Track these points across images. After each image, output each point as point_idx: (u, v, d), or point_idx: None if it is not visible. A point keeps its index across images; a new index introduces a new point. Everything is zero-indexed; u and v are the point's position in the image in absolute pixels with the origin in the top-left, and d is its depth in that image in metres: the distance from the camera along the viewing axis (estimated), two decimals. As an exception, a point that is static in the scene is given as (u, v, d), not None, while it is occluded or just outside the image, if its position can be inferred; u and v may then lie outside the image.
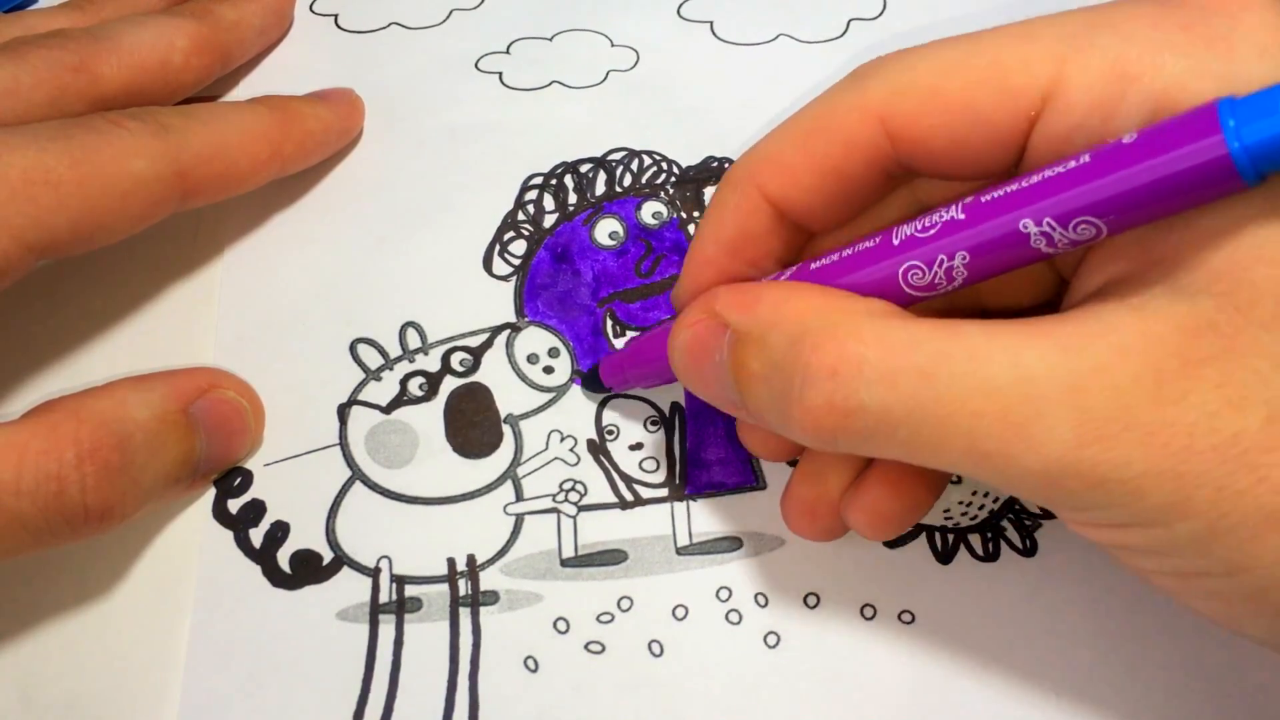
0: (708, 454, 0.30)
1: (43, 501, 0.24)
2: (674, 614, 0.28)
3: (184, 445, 0.27)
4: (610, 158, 0.34)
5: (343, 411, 0.30)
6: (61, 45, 0.29)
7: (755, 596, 0.28)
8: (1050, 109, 0.21)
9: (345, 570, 0.28)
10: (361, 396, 0.30)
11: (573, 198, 0.33)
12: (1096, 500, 0.20)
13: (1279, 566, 0.19)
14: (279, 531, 0.29)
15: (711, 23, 0.37)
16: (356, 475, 0.29)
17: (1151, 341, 0.19)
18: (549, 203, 0.33)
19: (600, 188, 0.33)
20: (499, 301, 0.32)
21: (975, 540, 0.29)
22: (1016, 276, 0.24)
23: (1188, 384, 0.19)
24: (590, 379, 0.30)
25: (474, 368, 0.31)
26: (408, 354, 0.31)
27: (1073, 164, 0.19)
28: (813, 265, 0.24)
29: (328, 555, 0.28)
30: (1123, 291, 0.20)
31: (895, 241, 0.22)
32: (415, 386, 0.30)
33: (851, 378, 0.20)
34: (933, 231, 0.21)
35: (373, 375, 0.30)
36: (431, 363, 0.31)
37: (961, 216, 0.21)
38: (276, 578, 0.28)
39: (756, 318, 0.22)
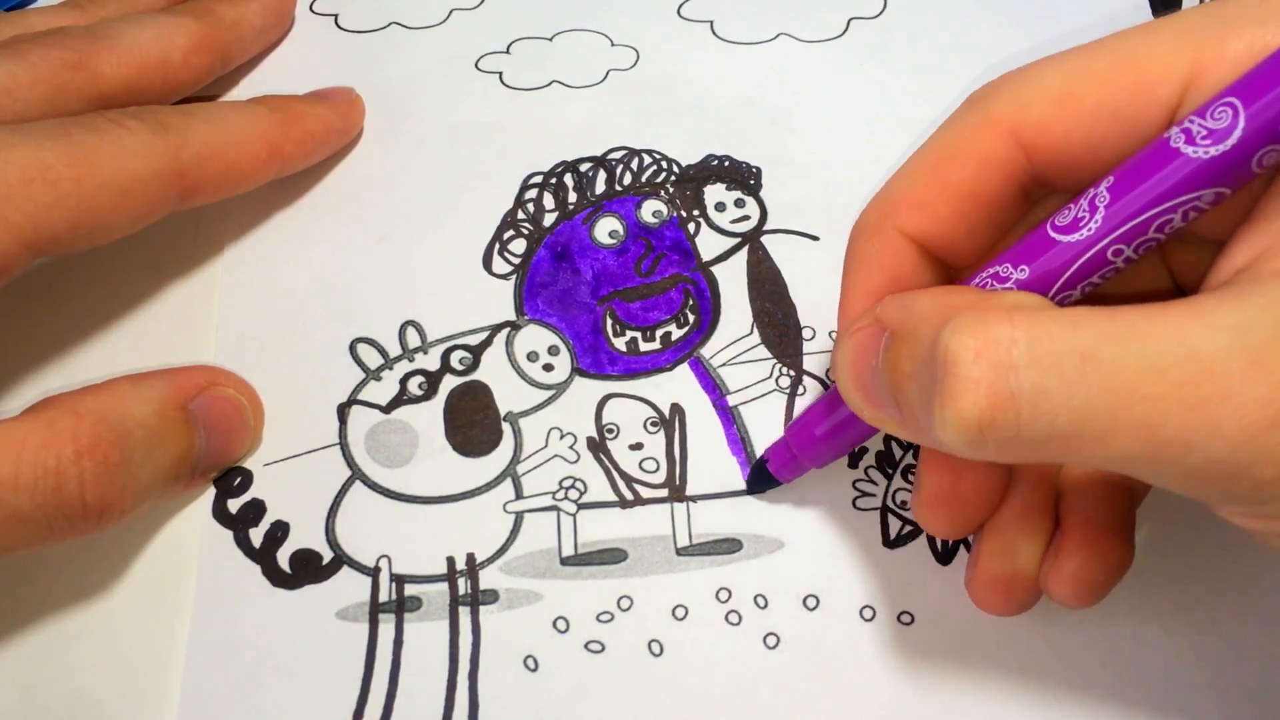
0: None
1: (41, 497, 0.24)
2: (674, 614, 0.28)
3: (183, 442, 0.27)
4: (610, 157, 0.34)
5: (342, 411, 0.30)
6: (60, 43, 0.29)
7: (755, 598, 0.28)
8: (1190, 97, 0.20)
9: (345, 570, 0.28)
10: (361, 396, 0.30)
11: (573, 196, 0.33)
12: None
13: None
14: (279, 531, 0.29)
15: (711, 22, 0.37)
16: (356, 475, 0.29)
17: None
18: (549, 201, 0.33)
19: (600, 186, 0.33)
20: (499, 300, 0.32)
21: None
22: (1131, 279, 0.23)
23: None
24: (758, 477, 0.29)
25: (473, 366, 0.31)
26: (407, 353, 0.31)
27: (1224, 110, 0.19)
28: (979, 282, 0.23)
29: (327, 555, 0.28)
30: (1274, 265, 0.19)
31: (1069, 238, 0.21)
32: (415, 385, 0.30)
33: (1000, 361, 0.18)
34: (1099, 215, 0.20)
35: (372, 375, 0.30)
36: (431, 361, 0.31)
37: (1107, 199, 0.20)
38: (276, 577, 0.28)
39: (910, 313, 0.21)
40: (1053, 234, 0.21)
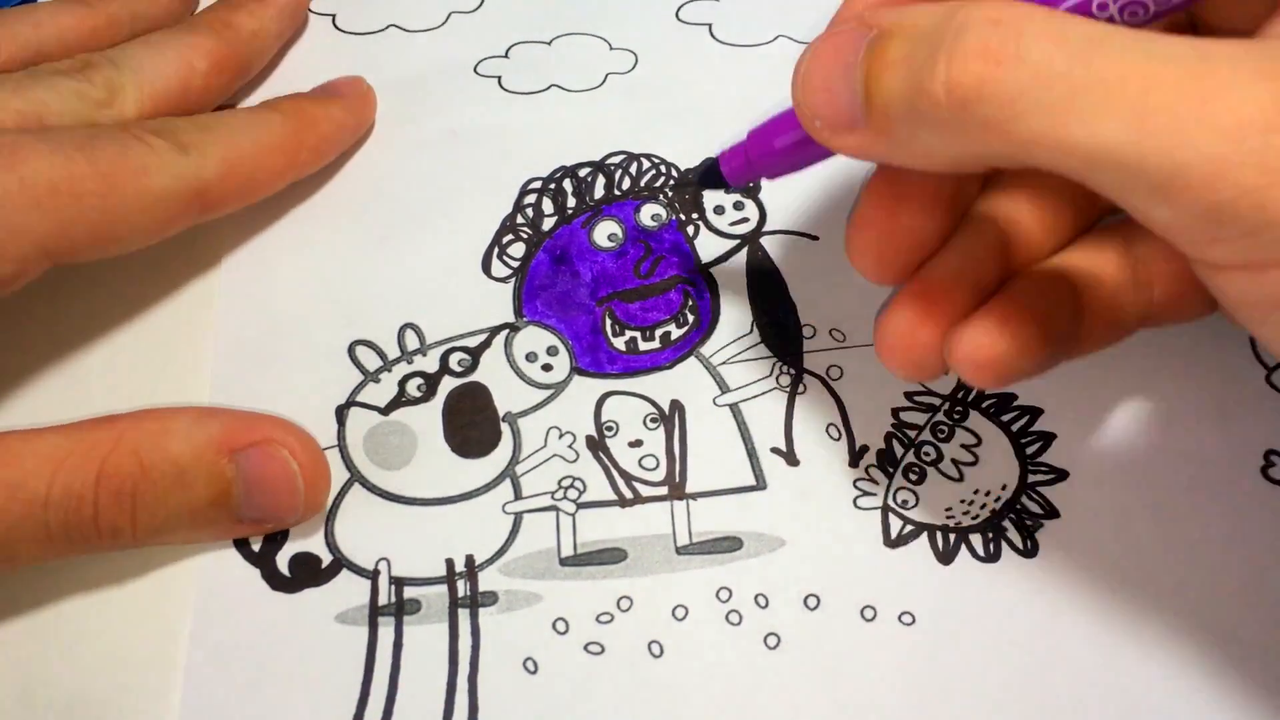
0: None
1: (64, 515, 0.25)
2: (674, 614, 0.28)
3: (213, 489, 0.27)
4: (609, 161, 0.34)
5: (341, 413, 0.30)
6: (88, 78, 0.30)
7: (755, 597, 0.28)
8: None
9: (344, 573, 0.28)
10: (359, 398, 0.30)
11: (571, 201, 0.33)
12: (1273, 201, 0.17)
13: None
14: (278, 534, 0.28)
15: (710, 25, 0.37)
16: (355, 477, 0.29)
17: None
18: (548, 206, 0.33)
19: (599, 191, 0.33)
20: (497, 303, 0.32)
21: (976, 540, 0.29)
22: None
23: None
24: (708, 176, 0.28)
25: (472, 367, 0.31)
26: (406, 355, 0.31)
27: None
28: None
29: (326, 558, 0.28)
30: None
31: None
32: (413, 387, 0.30)
33: (1014, 26, 0.18)
34: None
35: (371, 377, 0.30)
36: (430, 363, 0.31)
37: None
38: (275, 581, 0.28)
39: (906, 14, 0.20)
40: None
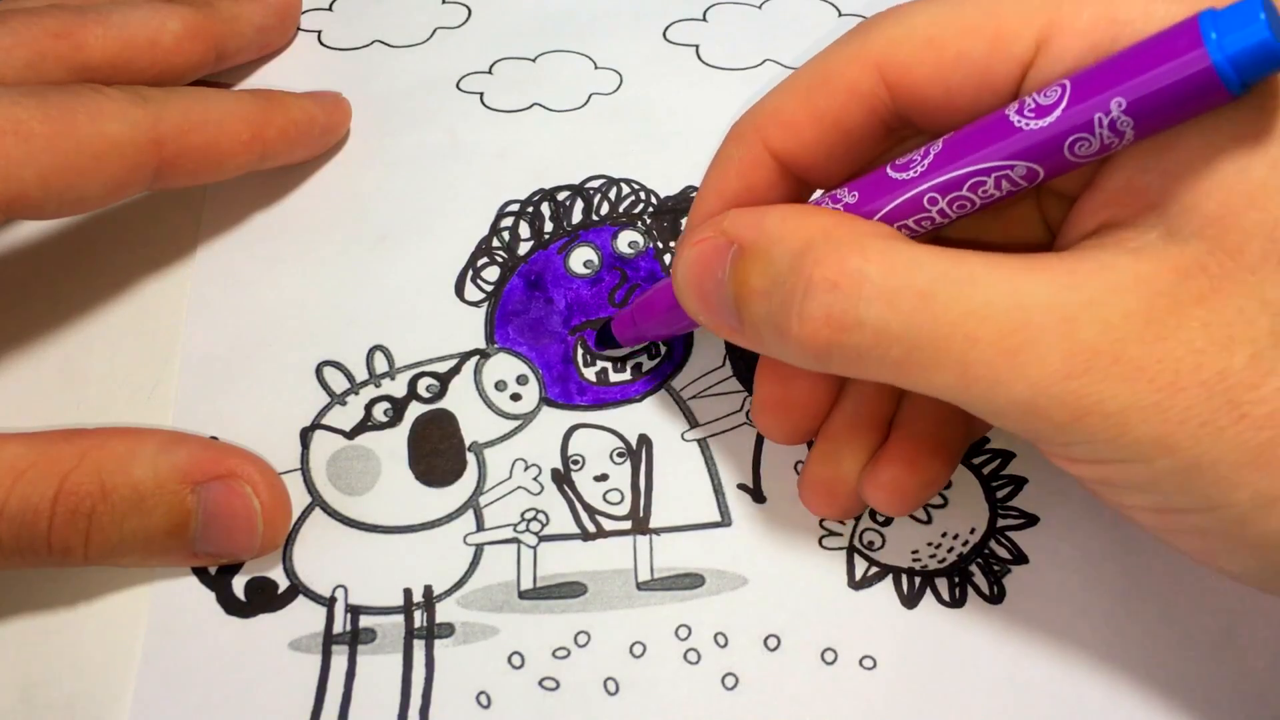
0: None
1: (17, 528, 0.25)
2: (631, 651, 0.27)
3: (172, 519, 0.26)
4: (588, 186, 0.34)
5: (305, 436, 0.30)
6: (47, 13, 0.29)
7: (715, 636, 0.28)
8: (1043, 56, 0.21)
9: (300, 599, 0.28)
10: (325, 421, 0.30)
11: (548, 225, 0.33)
12: (1080, 432, 0.20)
13: (1256, 503, 0.20)
14: (235, 558, 0.28)
15: (697, 46, 0.37)
16: (316, 502, 0.29)
17: (1144, 281, 0.20)
18: (524, 230, 0.33)
19: (577, 215, 0.33)
20: (469, 327, 0.31)
21: (942, 584, 0.28)
22: (1009, 226, 0.25)
23: (1177, 322, 0.19)
24: (602, 336, 0.31)
25: (440, 394, 0.30)
26: (374, 379, 0.31)
27: (1055, 90, 0.20)
28: (818, 199, 0.24)
29: (283, 583, 0.28)
30: (1117, 235, 0.21)
31: (898, 175, 0.22)
32: (380, 412, 0.30)
33: (852, 292, 0.21)
34: (927, 161, 0.22)
35: (337, 399, 0.30)
36: (398, 388, 0.30)
37: (939, 148, 0.22)
38: (231, 605, 0.28)
39: (762, 232, 0.23)
40: (888, 171, 0.23)
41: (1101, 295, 0.20)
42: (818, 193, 0.25)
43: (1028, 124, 0.20)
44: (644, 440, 0.30)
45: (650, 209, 0.33)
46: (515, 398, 0.30)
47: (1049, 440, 0.21)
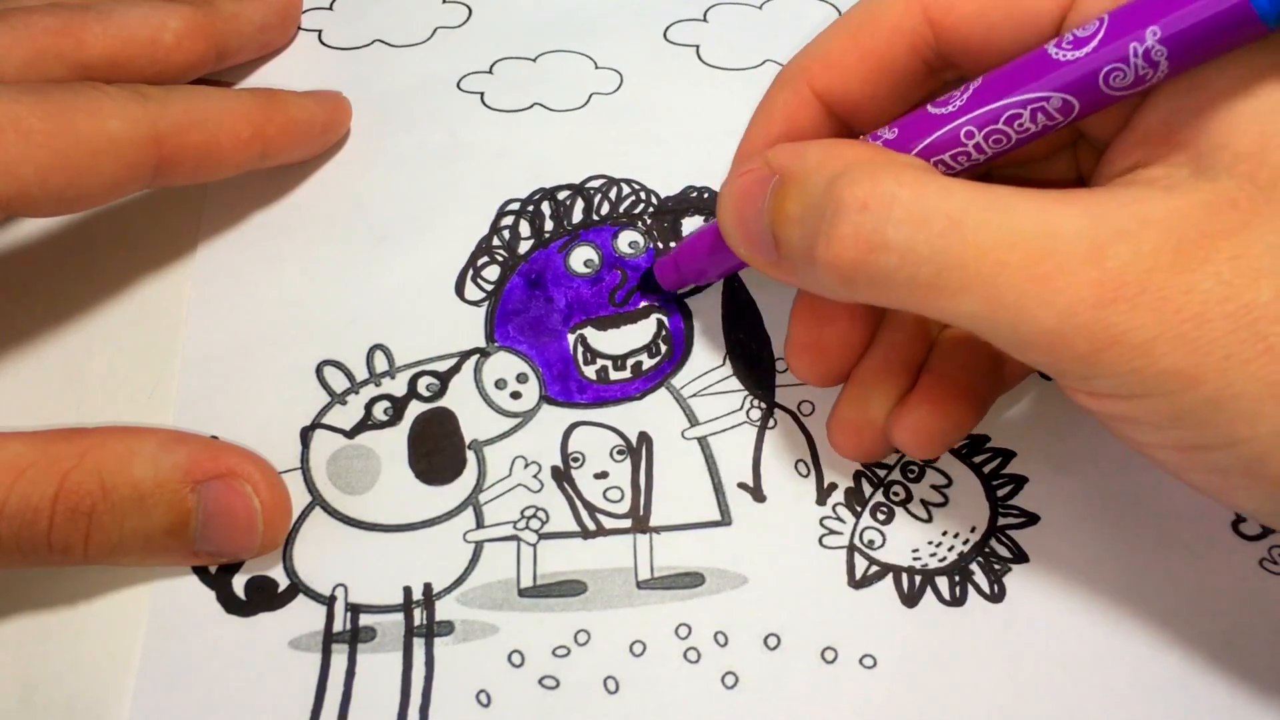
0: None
1: (17, 527, 0.25)
2: (631, 650, 0.27)
3: (173, 518, 0.26)
4: (589, 185, 0.34)
5: (306, 435, 0.30)
6: (47, 11, 0.29)
7: (715, 635, 0.28)
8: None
9: (300, 598, 0.28)
10: (325, 420, 0.30)
11: (549, 225, 0.33)
12: (1105, 364, 0.20)
13: (1275, 437, 0.20)
14: (235, 557, 0.28)
15: (698, 47, 0.37)
16: (316, 501, 0.29)
17: (1174, 214, 0.20)
18: (525, 229, 0.33)
19: (577, 215, 0.33)
20: (469, 326, 0.31)
21: (943, 583, 0.28)
22: (1044, 174, 0.25)
23: (1205, 254, 0.19)
24: (646, 282, 0.31)
25: (440, 393, 0.30)
26: (374, 378, 0.31)
27: (1094, 24, 0.20)
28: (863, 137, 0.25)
29: (283, 582, 0.28)
30: (1149, 173, 0.21)
31: (938, 110, 0.23)
32: (380, 411, 0.30)
33: (882, 213, 0.21)
34: (965, 96, 0.22)
35: (338, 399, 0.30)
36: (398, 387, 0.30)
37: (978, 83, 0.22)
38: (231, 604, 0.28)
39: (803, 162, 0.23)
40: (929, 108, 0.23)
41: (1131, 226, 0.20)
42: (865, 136, 0.26)
43: (1065, 55, 0.21)
44: (644, 438, 0.30)
45: (650, 209, 0.33)
46: (515, 395, 0.30)
47: (1073, 373, 0.21)
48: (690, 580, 0.28)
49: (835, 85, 0.25)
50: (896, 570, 0.29)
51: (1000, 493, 0.29)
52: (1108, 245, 0.20)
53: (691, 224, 0.33)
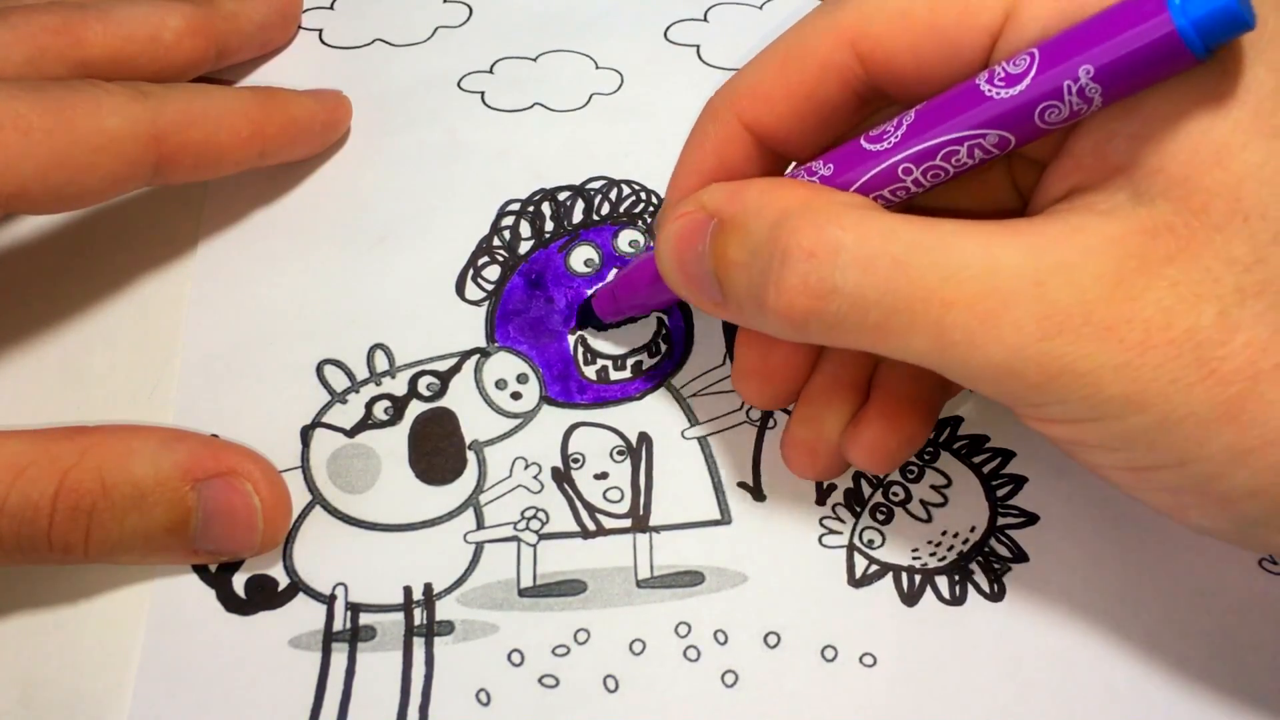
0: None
1: (17, 525, 0.25)
2: (631, 648, 0.27)
3: (173, 516, 0.26)
4: (589, 186, 0.34)
5: (306, 434, 0.30)
6: (47, 9, 0.30)
7: (715, 633, 0.28)
8: (1011, 24, 0.22)
9: (300, 596, 0.28)
10: (325, 419, 0.30)
11: (549, 225, 0.33)
12: (1055, 393, 0.20)
13: (1226, 457, 0.20)
14: (236, 555, 0.28)
15: (698, 47, 0.37)
16: (316, 500, 0.29)
17: (1113, 243, 0.20)
18: (525, 229, 0.33)
19: (578, 215, 0.33)
20: (470, 326, 0.31)
21: (942, 583, 0.28)
22: (982, 192, 0.25)
23: (1146, 282, 0.20)
24: (584, 315, 0.31)
25: (441, 392, 0.30)
26: (375, 377, 0.31)
27: (1024, 59, 0.21)
28: (793, 172, 0.25)
29: (283, 581, 0.28)
30: (1087, 198, 0.21)
31: (872, 146, 0.23)
32: (380, 410, 0.30)
33: (828, 260, 0.21)
34: (900, 131, 0.22)
35: (338, 398, 0.30)
36: (398, 386, 0.30)
37: (911, 118, 0.22)
38: (231, 603, 0.28)
39: (741, 205, 0.23)
40: (862, 143, 0.23)
41: (1072, 258, 0.20)
42: (792, 166, 0.26)
43: (998, 93, 0.21)
44: (644, 438, 0.30)
45: (651, 209, 0.33)
46: (515, 396, 0.30)
47: (1024, 401, 0.22)
48: (690, 579, 0.28)
49: (764, 118, 0.25)
50: (896, 569, 0.29)
51: (1000, 493, 0.29)
52: (1049, 279, 0.20)
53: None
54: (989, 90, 0.21)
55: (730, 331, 0.31)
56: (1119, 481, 0.23)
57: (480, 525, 0.29)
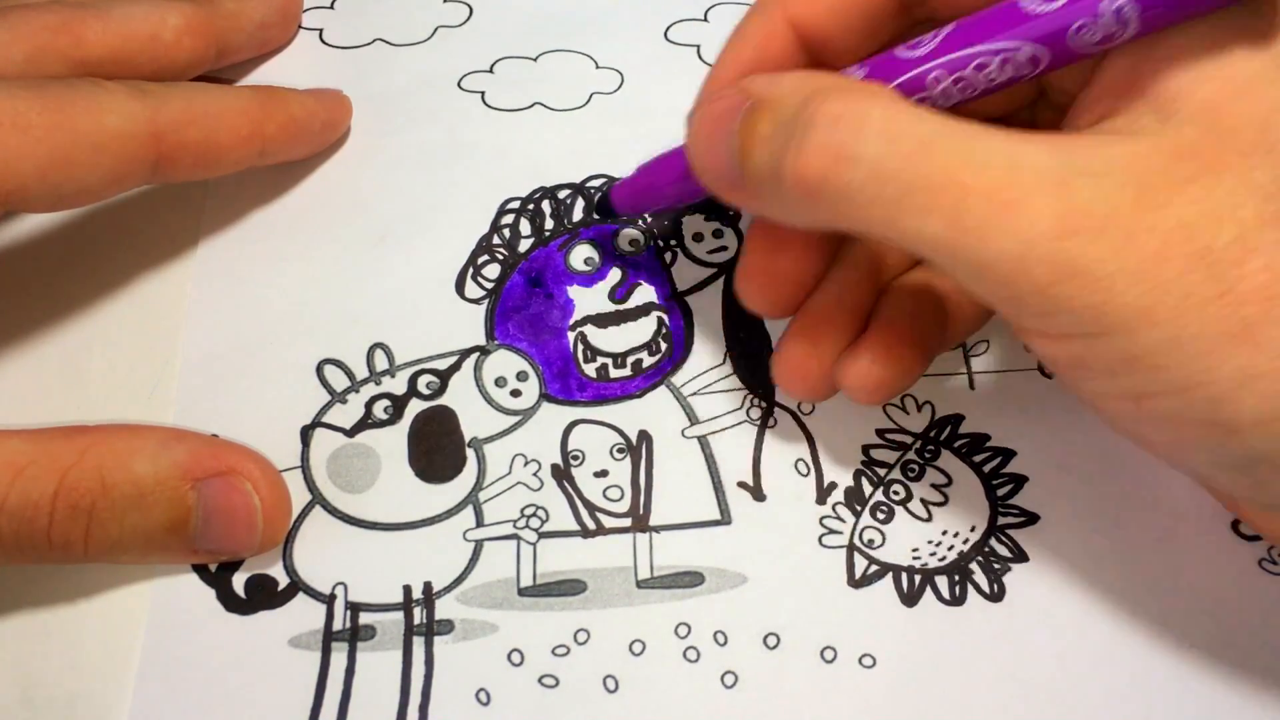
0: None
1: (17, 524, 0.25)
2: (631, 649, 0.27)
3: (173, 515, 0.26)
4: (589, 184, 0.34)
5: (306, 434, 0.30)
6: (47, 8, 0.30)
7: (714, 634, 0.28)
8: None
9: (300, 596, 0.28)
10: (325, 419, 0.30)
11: (549, 223, 0.33)
12: (1063, 298, 0.20)
13: (1236, 379, 0.20)
14: (234, 556, 0.28)
15: (698, 46, 0.37)
16: (316, 499, 0.29)
17: (1138, 159, 0.20)
18: (525, 227, 0.33)
19: (578, 214, 0.33)
20: (469, 324, 0.31)
21: (942, 583, 0.28)
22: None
23: (1168, 196, 0.20)
24: (601, 205, 0.31)
25: (440, 391, 0.30)
26: (374, 376, 0.31)
27: None
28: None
29: (283, 580, 0.28)
30: (1114, 123, 0.21)
31: (907, 54, 0.23)
32: (380, 409, 0.30)
33: (854, 127, 0.21)
34: (935, 41, 0.23)
35: (338, 398, 0.30)
36: (398, 385, 0.30)
37: (950, 29, 0.23)
38: (230, 602, 0.28)
39: (779, 87, 0.23)
40: (897, 51, 0.23)
41: (1096, 166, 0.20)
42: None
43: (1037, 8, 0.21)
44: (644, 437, 0.30)
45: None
46: (515, 394, 0.30)
47: (1030, 308, 0.21)
48: (690, 579, 0.28)
49: (810, 16, 0.25)
50: (896, 570, 0.29)
51: (1000, 492, 0.29)
52: (1072, 180, 0.20)
53: (692, 221, 0.33)
54: (1028, 6, 0.21)
55: (730, 331, 0.31)
56: (1118, 413, 0.22)
57: (480, 523, 0.29)
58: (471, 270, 0.32)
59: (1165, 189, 0.20)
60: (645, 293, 0.32)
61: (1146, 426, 0.22)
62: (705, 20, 0.37)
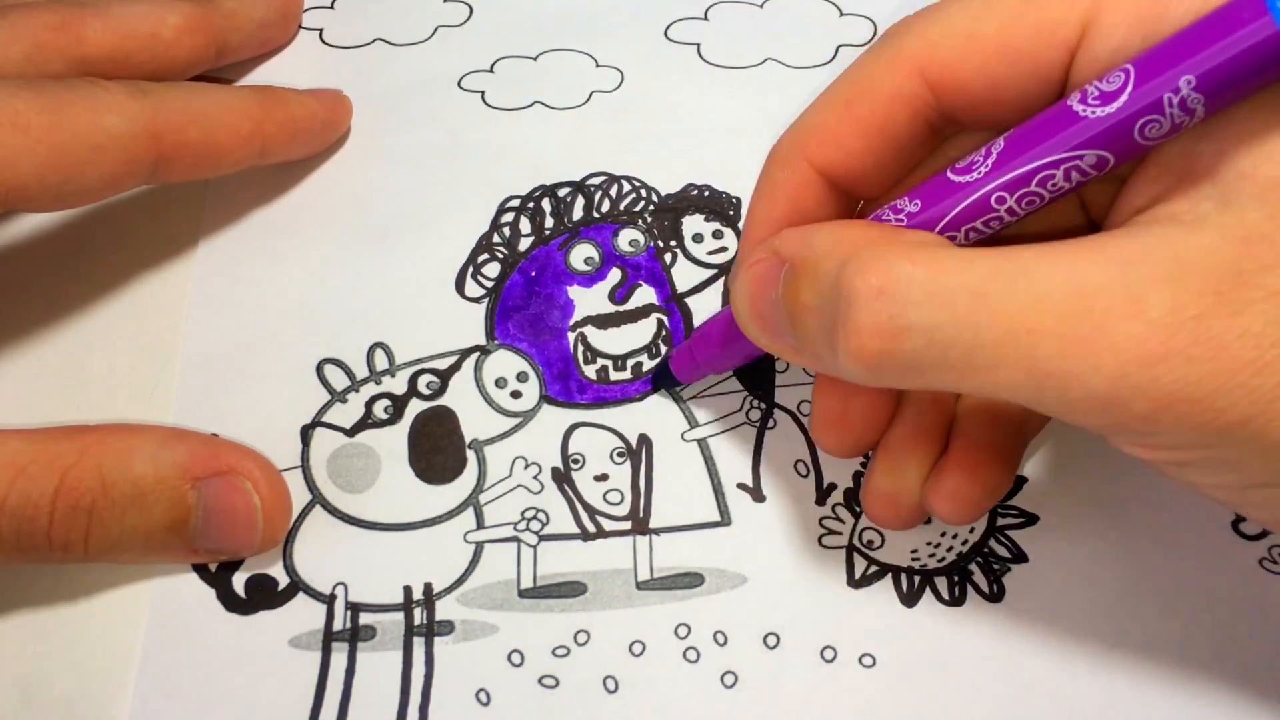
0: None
1: (17, 523, 0.25)
2: (631, 650, 0.27)
3: (173, 514, 0.26)
4: (589, 182, 0.34)
5: (306, 433, 0.30)
6: (46, 6, 0.30)
7: (714, 635, 0.28)
8: (1089, 38, 0.21)
9: (300, 596, 0.28)
10: (325, 418, 0.30)
11: (549, 222, 0.33)
12: (1166, 422, 0.19)
13: None
14: (236, 555, 0.28)
15: (698, 45, 0.37)
16: (316, 499, 0.29)
17: (1207, 254, 0.19)
18: (525, 226, 0.33)
19: (578, 213, 0.33)
20: (470, 324, 0.31)
21: (942, 583, 0.28)
22: (1046, 215, 0.23)
23: (1248, 294, 0.18)
24: (661, 377, 0.31)
25: (440, 391, 0.30)
26: (374, 376, 0.31)
27: (1118, 75, 0.20)
28: (879, 213, 0.24)
29: (283, 580, 0.28)
30: (1169, 208, 0.20)
31: (961, 178, 0.22)
32: (380, 409, 0.30)
33: (899, 297, 0.19)
34: (990, 160, 0.21)
35: (338, 397, 0.30)
36: (398, 385, 0.30)
37: (1001, 145, 0.21)
38: (231, 602, 0.28)
39: (810, 248, 0.22)
40: (949, 175, 0.22)
41: (1167, 271, 0.19)
42: (860, 205, 0.25)
43: (1093, 111, 0.20)
44: (644, 440, 0.30)
45: (651, 207, 0.33)
46: (515, 395, 0.30)
47: (1131, 431, 0.20)
48: (690, 580, 0.28)
49: (835, 159, 0.24)
50: (896, 570, 0.29)
51: (1000, 493, 0.29)
52: (1146, 294, 0.18)
53: (692, 222, 0.33)
54: (1083, 110, 0.20)
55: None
56: (1223, 499, 0.22)
57: (480, 525, 0.29)
58: (471, 269, 0.32)
59: (1242, 284, 0.19)
60: (645, 294, 0.32)
61: (1253, 510, 0.22)
62: (705, 19, 0.37)
